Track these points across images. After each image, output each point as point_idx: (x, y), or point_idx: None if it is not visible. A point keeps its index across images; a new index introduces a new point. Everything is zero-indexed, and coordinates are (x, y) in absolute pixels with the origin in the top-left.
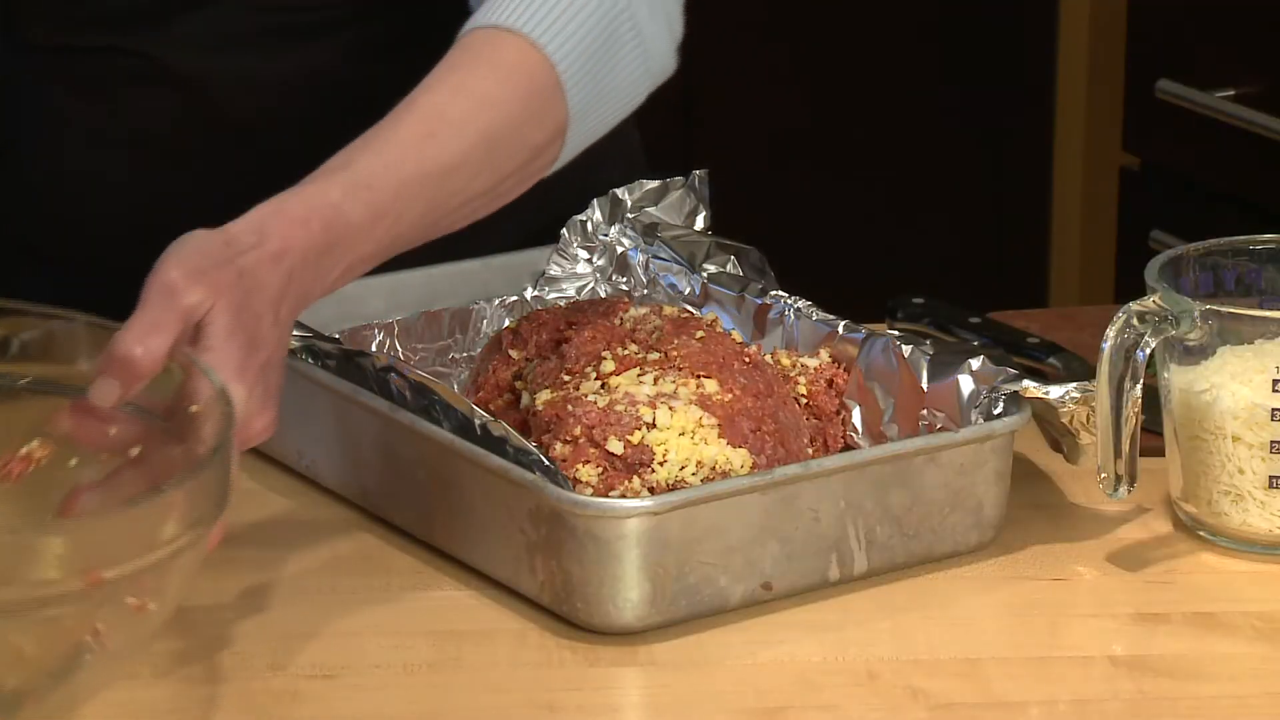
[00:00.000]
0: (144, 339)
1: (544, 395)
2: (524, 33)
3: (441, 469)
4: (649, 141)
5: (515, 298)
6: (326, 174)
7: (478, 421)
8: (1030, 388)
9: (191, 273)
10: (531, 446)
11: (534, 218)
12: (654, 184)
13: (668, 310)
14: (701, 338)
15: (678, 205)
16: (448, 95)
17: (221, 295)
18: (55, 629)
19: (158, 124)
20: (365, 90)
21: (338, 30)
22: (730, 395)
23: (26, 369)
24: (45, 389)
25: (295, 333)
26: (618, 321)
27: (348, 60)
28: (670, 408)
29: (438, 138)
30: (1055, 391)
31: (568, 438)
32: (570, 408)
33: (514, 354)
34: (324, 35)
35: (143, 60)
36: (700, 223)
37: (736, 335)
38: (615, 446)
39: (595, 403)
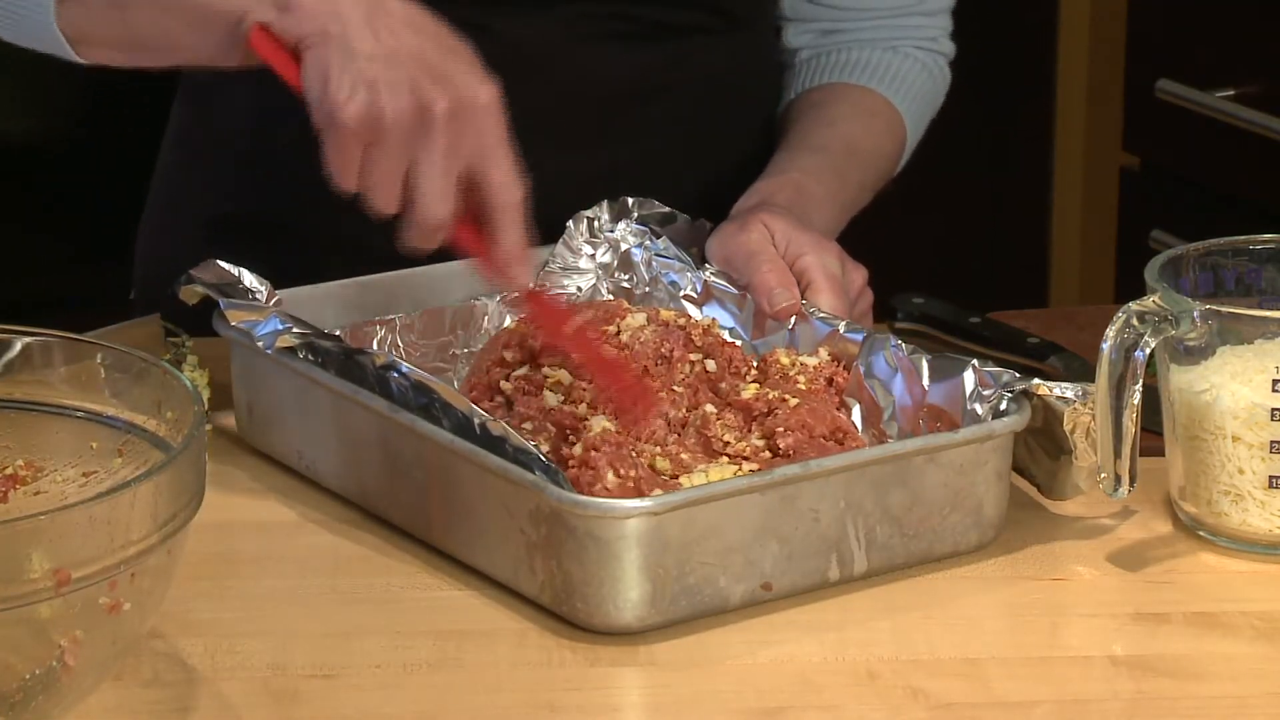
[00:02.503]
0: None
1: (601, 421)
2: (880, 92)
3: (441, 469)
4: None
5: (517, 294)
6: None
7: (477, 421)
8: (1043, 385)
9: None
10: (531, 446)
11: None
12: (663, 210)
13: (664, 314)
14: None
15: (683, 236)
16: (860, 129)
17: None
18: (32, 633)
19: None
20: (675, 97)
21: (680, 38)
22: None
23: (4, 388)
24: (23, 407)
25: (295, 330)
26: (614, 330)
27: (672, 68)
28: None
29: (856, 156)
30: (1070, 390)
31: (622, 473)
32: (631, 451)
33: (507, 355)
34: (667, 41)
35: (496, 43)
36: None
37: (737, 358)
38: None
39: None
